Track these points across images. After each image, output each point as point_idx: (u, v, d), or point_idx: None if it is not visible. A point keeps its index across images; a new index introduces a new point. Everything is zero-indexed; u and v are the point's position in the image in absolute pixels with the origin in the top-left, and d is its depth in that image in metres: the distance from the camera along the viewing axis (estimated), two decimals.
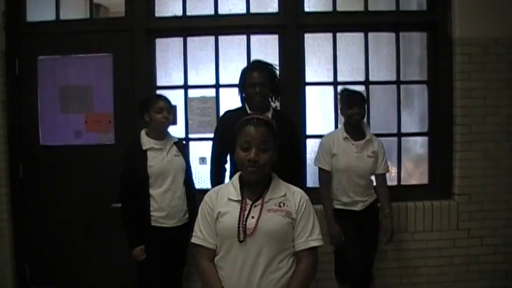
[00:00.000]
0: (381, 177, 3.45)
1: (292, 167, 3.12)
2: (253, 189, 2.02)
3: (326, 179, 3.43)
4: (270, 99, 3.27)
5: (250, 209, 1.98)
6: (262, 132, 1.97)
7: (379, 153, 3.42)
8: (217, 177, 3.32)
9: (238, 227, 1.94)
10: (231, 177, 3.10)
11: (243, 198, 2.01)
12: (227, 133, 2.94)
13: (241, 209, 1.98)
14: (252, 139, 1.96)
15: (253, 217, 1.95)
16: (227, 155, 3.29)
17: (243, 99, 3.29)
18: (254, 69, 3.22)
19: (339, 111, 3.56)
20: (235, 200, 2.01)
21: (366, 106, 3.50)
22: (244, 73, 3.27)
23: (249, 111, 3.13)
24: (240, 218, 1.96)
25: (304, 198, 2.04)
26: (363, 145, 3.38)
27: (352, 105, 3.35)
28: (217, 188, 2.14)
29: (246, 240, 1.94)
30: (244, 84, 3.23)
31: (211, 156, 3.37)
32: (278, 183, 2.07)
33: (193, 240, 2.10)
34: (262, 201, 1.99)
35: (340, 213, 3.40)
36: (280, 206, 1.99)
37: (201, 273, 2.05)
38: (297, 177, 3.22)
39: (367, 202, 3.41)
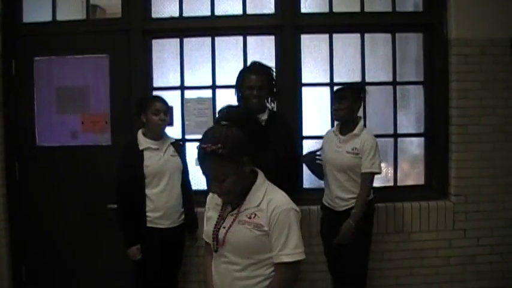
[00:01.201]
0: (363, 176, 3.25)
1: (287, 171, 3.09)
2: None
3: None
4: (266, 101, 3.28)
5: (225, 218, 1.91)
6: (210, 165, 1.79)
7: (364, 150, 3.24)
8: None
9: (212, 236, 1.92)
10: None
11: (224, 205, 1.95)
12: None
13: (219, 217, 1.94)
14: (208, 173, 1.84)
15: (224, 227, 1.89)
16: None
17: (239, 99, 3.27)
18: (253, 72, 3.22)
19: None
20: (220, 206, 1.96)
21: (358, 102, 3.36)
22: (242, 74, 3.26)
23: None
24: (215, 227, 1.92)
25: (278, 209, 1.83)
26: (345, 140, 3.32)
27: (334, 101, 3.39)
28: None
29: (218, 249, 1.91)
30: (242, 86, 3.21)
31: None
32: (257, 190, 1.90)
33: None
34: (238, 211, 1.88)
35: (325, 211, 3.49)
36: (250, 218, 1.85)
37: (202, 266, 2.07)
38: (290, 181, 3.17)
39: (350, 203, 3.26)
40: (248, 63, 3.80)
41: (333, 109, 3.41)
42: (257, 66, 3.29)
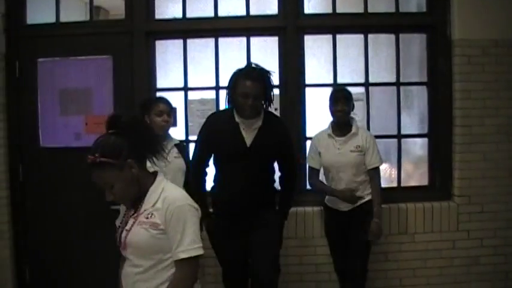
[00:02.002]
0: (372, 172, 3.38)
1: (283, 176, 3.23)
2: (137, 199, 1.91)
3: (311, 174, 3.56)
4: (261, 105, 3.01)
5: (128, 221, 1.91)
6: (94, 175, 1.83)
7: (367, 148, 3.36)
8: (198, 182, 3.21)
9: (117, 240, 1.94)
10: (215, 181, 3.20)
11: (127, 209, 1.95)
12: (212, 136, 3.05)
13: (122, 221, 1.96)
14: (95, 182, 1.85)
15: (126, 230, 1.89)
16: (209, 159, 3.20)
17: (229, 101, 3.04)
18: (249, 77, 2.90)
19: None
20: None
21: (352, 103, 3.40)
22: (236, 78, 2.97)
23: (236, 117, 2.98)
24: (117, 231, 1.94)
25: (173, 206, 1.82)
26: (345, 140, 3.37)
27: (335, 102, 3.36)
28: None
29: (123, 252, 1.93)
30: (235, 91, 2.93)
31: (193, 159, 3.25)
32: (154, 191, 1.89)
33: None
34: (138, 213, 1.87)
35: (327, 212, 3.54)
36: (147, 218, 1.84)
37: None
38: (289, 182, 3.25)
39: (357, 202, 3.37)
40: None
41: (335, 110, 3.36)
42: (254, 71, 2.98)
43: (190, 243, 1.82)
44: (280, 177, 3.25)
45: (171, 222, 1.81)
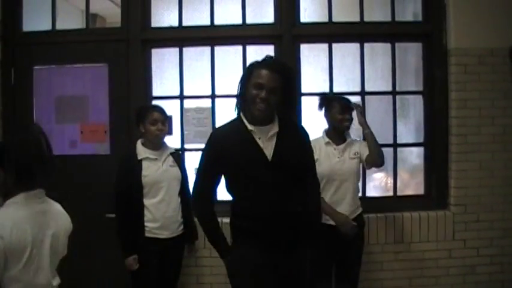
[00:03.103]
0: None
1: (307, 196, 2.64)
2: None
3: None
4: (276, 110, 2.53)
5: None
6: None
7: (362, 151, 3.35)
8: (208, 217, 2.62)
9: None
10: (235, 210, 2.59)
11: None
12: (221, 155, 2.49)
13: None
14: None
15: None
16: (217, 186, 2.64)
17: (239, 107, 2.60)
18: (265, 66, 2.45)
19: (324, 115, 3.40)
20: None
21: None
22: (251, 67, 2.51)
23: (248, 125, 2.48)
24: None
25: None
26: (343, 148, 3.34)
27: (344, 111, 3.30)
28: None
29: None
30: (248, 82, 2.46)
31: (196, 192, 2.65)
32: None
33: None
34: None
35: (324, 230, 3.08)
36: None
37: None
38: (313, 210, 2.68)
39: (353, 215, 3.29)
40: None
41: (343, 119, 3.30)
42: (273, 61, 2.55)
43: None
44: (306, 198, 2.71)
45: None
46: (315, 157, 2.92)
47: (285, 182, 2.48)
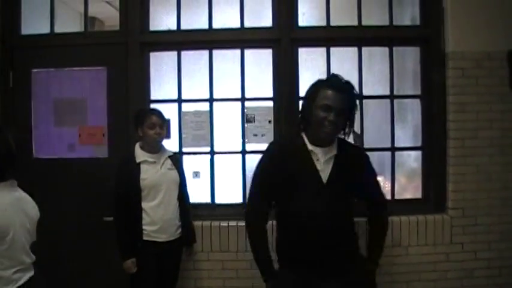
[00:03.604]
0: None
1: (372, 213, 2.70)
2: None
3: None
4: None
5: None
6: None
7: None
8: (260, 235, 2.58)
9: None
10: (279, 228, 2.58)
11: None
12: (278, 170, 2.48)
13: None
14: None
15: None
16: (273, 201, 2.59)
17: (304, 117, 2.53)
18: (332, 88, 2.41)
19: None
20: None
21: None
22: (317, 87, 2.49)
23: (308, 144, 2.46)
24: None
25: None
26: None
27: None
28: None
29: None
30: (314, 102, 2.42)
31: (251, 205, 2.65)
32: None
33: None
34: None
35: None
36: None
37: None
38: (378, 225, 2.72)
39: None
40: (246, 76, 3.84)
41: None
42: (339, 81, 2.50)
43: None
44: (369, 215, 2.79)
45: None
46: None
47: (338, 208, 2.45)
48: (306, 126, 2.50)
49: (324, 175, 2.43)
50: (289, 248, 2.52)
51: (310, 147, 2.45)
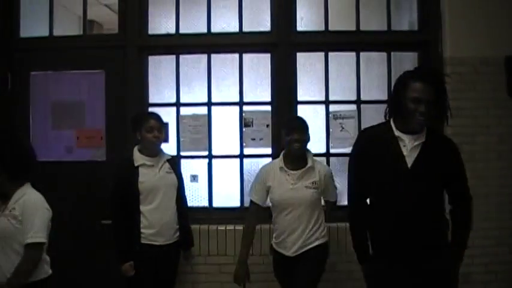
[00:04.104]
0: (330, 204, 3.32)
1: (456, 206, 2.66)
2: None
3: (251, 210, 3.22)
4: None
5: None
6: None
7: (326, 184, 3.14)
8: (361, 222, 2.65)
9: None
10: (374, 224, 2.57)
11: None
12: (367, 155, 2.53)
13: None
14: None
15: None
16: (368, 188, 2.59)
17: (394, 108, 2.53)
18: (421, 79, 2.40)
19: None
20: None
21: (308, 134, 3.14)
22: (406, 79, 2.47)
23: (395, 130, 2.49)
24: None
25: (28, 203, 2.57)
26: (300, 175, 3.07)
27: (291, 131, 3.05)
28: None
29: None
30: (404, 94, 2.42)
31: (351, 194, 2.68)
32: (19, 193, 2.60)
33: None
34: (4, 208, 2.55)
35: (278, 255, 3.18)
36: (10, 211, 2.53)
37: None
38: (462, 219, 2.67)
39: (308, 245, 3.08)
40: (245, 80, 3.86)
41: (291, 139, 3.04)
42: (428, 72, 2.52)
43: (36, 232, 2.54)
44: (452, 209, 2.72)
45: (25, 214, 2.53)
46: (268, 184, 3.12)
47: (421, 193, 2.44)
48: (395, 115, 2.53)
49: (410, 160, 2.45)
50: (377, 231, 2.57)
51: (397, 133, 2.48)
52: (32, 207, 2.57)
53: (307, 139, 3.13)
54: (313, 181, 3.09)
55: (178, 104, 3.89)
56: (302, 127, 3.09)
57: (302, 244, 3.08)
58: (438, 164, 2.47)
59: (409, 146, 2.46)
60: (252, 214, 3.22)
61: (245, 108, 3.86)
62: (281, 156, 3.19)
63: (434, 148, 2.47)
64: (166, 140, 3.66)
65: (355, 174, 2.64)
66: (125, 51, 3.83)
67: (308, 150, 3.18)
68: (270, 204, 3.24)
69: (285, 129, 3.12)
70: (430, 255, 2.47)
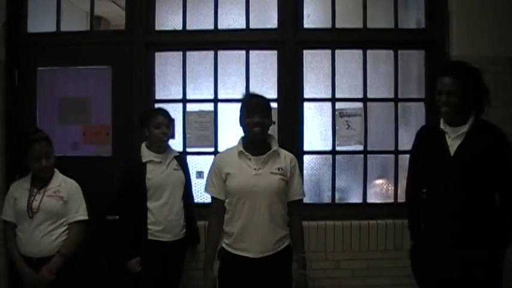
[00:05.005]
0: (294, 205, 2.80)
1: (501, 203, 2.57)
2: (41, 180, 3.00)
3: (214, 208, 2.81)
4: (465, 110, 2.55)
5: (36, 194, 2.95)
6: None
7: (292, 173, 2.78)
8: (415, 211, 2.86)
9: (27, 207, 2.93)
10: (425, 207, 2.74)
11: (31, 188, 2.97)
12: (420, 150, 2.78)
13: (29, 195, 2.95)
14: None
15: (36, 200, 2.92)
16: (424, 181, 2.78)
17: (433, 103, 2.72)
18: (444, 73, 2.58)
19: (239, 121, 2.83)
20: (27, 190, 2.99)
21: (271, 114, 2.80)
22: (435, 76, 2.69)
23: (441, 124, 2.62)
24: (28, 201, 2.93)
25: (73, 186, 3.07)
26: (264, 159, 2.71)
27: (251, 113, 2.70)
28: None
29: (33, 216, 2.91)
30: (435, 90, 2.62)
31: (409, 185, 2.96)
32: (57, 177, 3.06)
33: None
34: (45, 189, 2.96)
35: (228, 259, 2.75)
36: (55, 193, 2.96)
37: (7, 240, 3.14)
38: (506, 216, 2.54)
39: (275, 247, 2.70)
40: (251, 77, 3.86)
41: (250, 122, 2.70)
42: (453, 66, 2.69)
43: (84, 211, 3.06)
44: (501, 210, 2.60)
45: (72, 196, 3.03)
46: (226, 171, 2.73)
47: (465, 180, 2.53)
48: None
49: (452, 149, 2.57)
50: (425, 214, 2.75)
51: (442, 126, 2.63)
52: (75, 190, 3.06)
53: (270, 122, 2.78)
54: (279, 167, 2.74)
55: (184, 101, 3.90)
56: (264, 108, 2.75)
57: (269, 244, 2.70)
58: (482, 154, 2.52)
59: (452, 136, 2.59)
60: (215, 212, 2.80)
61: None
62: (239, 140, 2.83)
63: (478, 136, 2.55)
64: (172, 136, 3.65)
65: (411, 166, 2.90)
66: (132, 48, 3.84)
67: (270, 135, 2.85)
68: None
69: (243, 111, 2.76)
70: (468, 243, 2.52)
